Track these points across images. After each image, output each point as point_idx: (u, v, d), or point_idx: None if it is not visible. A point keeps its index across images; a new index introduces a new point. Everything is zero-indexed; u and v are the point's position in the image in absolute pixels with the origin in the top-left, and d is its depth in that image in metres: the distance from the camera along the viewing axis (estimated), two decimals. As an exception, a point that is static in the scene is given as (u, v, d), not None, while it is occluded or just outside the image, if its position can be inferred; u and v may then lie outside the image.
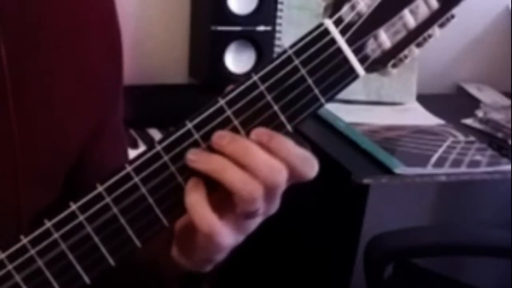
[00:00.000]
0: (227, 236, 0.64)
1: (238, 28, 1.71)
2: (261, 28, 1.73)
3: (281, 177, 0.62)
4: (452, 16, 0.62)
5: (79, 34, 0.79)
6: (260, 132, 0.63)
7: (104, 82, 0.81)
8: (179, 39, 1.84)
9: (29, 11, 0.76)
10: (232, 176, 0.62)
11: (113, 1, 0.84)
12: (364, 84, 1.82)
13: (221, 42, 1.72)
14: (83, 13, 0.79)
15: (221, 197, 0.64)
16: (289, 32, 1.79)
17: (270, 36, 1.76)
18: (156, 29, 1.79)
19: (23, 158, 0.74)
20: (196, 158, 0.63)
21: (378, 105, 1.84)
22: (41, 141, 0.76)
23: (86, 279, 0.66)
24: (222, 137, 0.63)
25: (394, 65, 0.64)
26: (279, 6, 1.80)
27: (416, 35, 0.63)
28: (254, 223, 0.66)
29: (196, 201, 0.63)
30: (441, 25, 0.63)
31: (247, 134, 0.64)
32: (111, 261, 0.66)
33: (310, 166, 0.64)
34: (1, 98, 0.73)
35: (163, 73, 1.79)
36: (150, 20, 1.78)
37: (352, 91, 1.79)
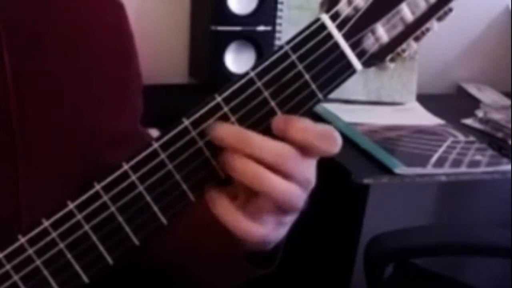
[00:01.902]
0: (268, 230, 0.64)
1: (238, 28, 1.71)
2: (261, 28, 1.73)
3: (290, 160, 0.61)
4: (450, 10, 0.61)
5: (84, 41, 0.79)
6: (275, 120, 0.62)
7: (112, 88, 0.81)
8: (179, 39, 1.84)
9: (33, 18, 0.76)
10: (271, 185, 0.61)
11: (123, 7, 0.84)
12: (364, 84, 1.82)
13: (221, 42, 1.72)
14: (89, 20, 0.79)
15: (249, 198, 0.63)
16: (289, 32, 1.79)
17: (270, 36, 1.76)
18: (156, 29, 1.79)
19: (23, 162, 0.74)
20: (232, 165, 0.62)
21: (378, 105, 1.84)
22: (42, 147, 0.76)
23: (85, 278, 0.65)
24: (221, 130, 0.62)
25: (392, 60, 0.63)
26: (279, 6, 1.80)
27: (414, 29, 0.62)
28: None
29: (225, 209, 0.63)
30: (439, 19, 0.62)
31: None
32: (109, 259, 0.65)
33: (329, 142, 0.62)
34: (3, 104, 0.73)
35: (163, 73, 1.79)
36: (150, 20, 1.78)
37: (352, 91, 1.79)
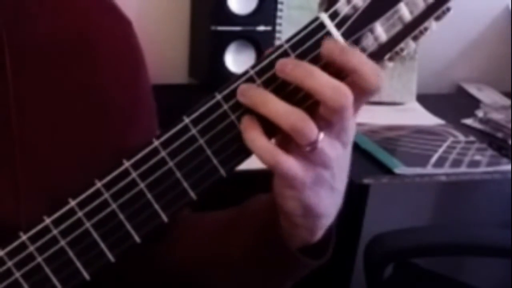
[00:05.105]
0: (296, 166, 0.63)
1: (238, 28, 1.71)
2: (261, 28, 1.73)
3: (346, 99, 0.61)
4: (448, 9, 0.62)
5: (88, 54, 0.78)
6: (330, 47, 0.62)
7: (117, 104, 0.81)
8: (179, 39, 1.84)
9: (37, 30, 0.76)
10: (272, 108, 0.61)
11: (131, 24, 0.83)
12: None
13: (221, 42, 1.72)
14: (95, 33, 0.79)
15: (283, 139, 0.63)
16: (289, 32, 1.78)
17: (270, 36, 1.76)
18: (156, 29, 1.79)
19: (23, 167, 0.74)
20: (242, 91, 0.63)
21: (378, 105, 1.84)
22: (42, 155, 0.76)
23: (86, 275, 0.66)
24: (284, 64, 0.62)
25: (390, 59, 0.64)
26: (279, 6, 1.80)
27: (412, 28, 0.62)
28: (329, 157, 0.64)
29: (255, 136, 0.63)
30: (437, 18, 0.62)
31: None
32: (111, 256, 0.66)
33: (376, 76, 0.61)
34: (3, 108, 0.73)
35: (163, 73, 1.78)
36: (150, 20, 1.78)
37: (352, 91, 1.79)
